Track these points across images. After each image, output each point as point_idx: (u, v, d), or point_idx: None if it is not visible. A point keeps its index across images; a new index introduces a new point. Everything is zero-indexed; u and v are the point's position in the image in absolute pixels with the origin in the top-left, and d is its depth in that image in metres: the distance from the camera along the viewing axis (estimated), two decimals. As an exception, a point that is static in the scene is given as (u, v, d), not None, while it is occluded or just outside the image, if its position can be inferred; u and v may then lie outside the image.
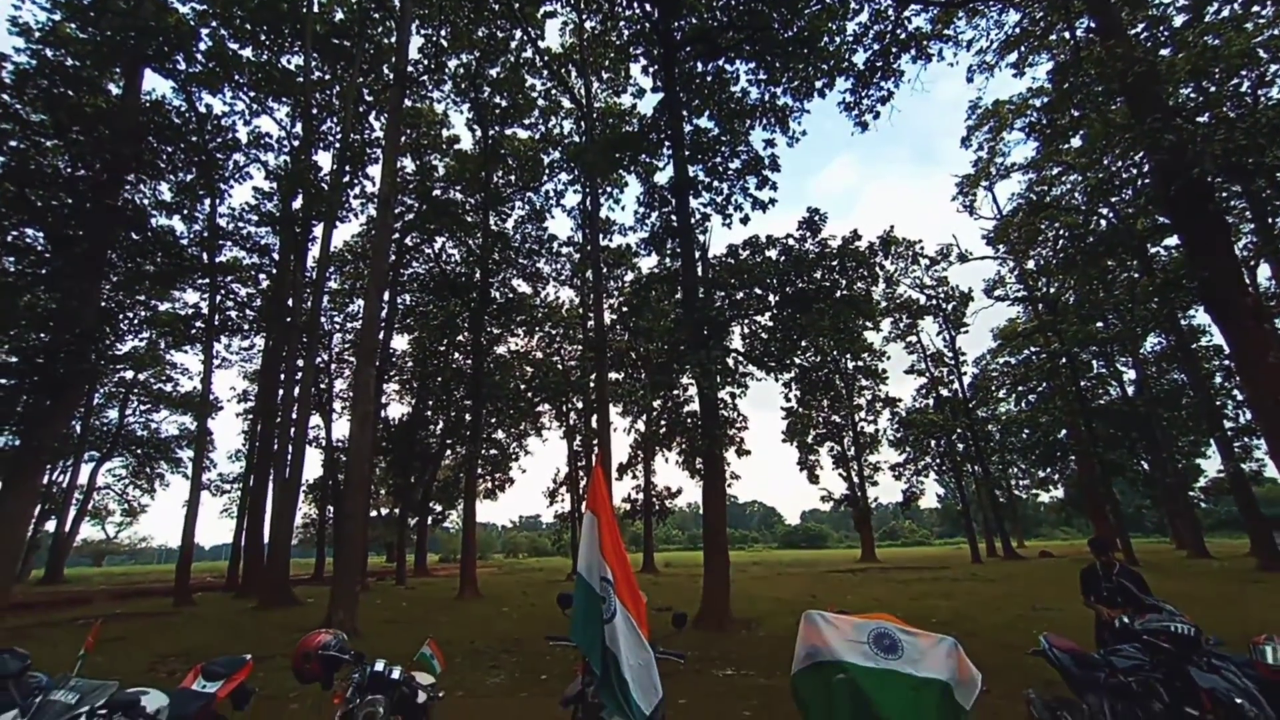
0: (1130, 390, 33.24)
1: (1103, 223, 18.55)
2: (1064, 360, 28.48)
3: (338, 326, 32.74)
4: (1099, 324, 28.40)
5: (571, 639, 3.14)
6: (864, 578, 23.08)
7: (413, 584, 26.92)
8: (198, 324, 25.63)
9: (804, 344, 14.58)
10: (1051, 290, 29.10)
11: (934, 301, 36.48)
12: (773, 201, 14.73)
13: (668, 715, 3.66)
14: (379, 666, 3.34)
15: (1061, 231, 23.45)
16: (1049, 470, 37.69)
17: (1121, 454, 31.07)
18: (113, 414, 40.76)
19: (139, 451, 41.73)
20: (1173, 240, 17.66)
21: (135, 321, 23.19)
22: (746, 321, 14.35)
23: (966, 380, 38.28)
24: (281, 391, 20.57)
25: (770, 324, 14.33)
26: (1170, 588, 12.41)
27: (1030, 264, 31.40)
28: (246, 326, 29.15)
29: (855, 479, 39.32)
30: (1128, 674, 3.42)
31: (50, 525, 39.54)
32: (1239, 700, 2.92)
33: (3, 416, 14.05)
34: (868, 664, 3.07)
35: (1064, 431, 32.27)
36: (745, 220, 14.18)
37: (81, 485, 40.82)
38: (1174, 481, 30.38)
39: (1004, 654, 7.22)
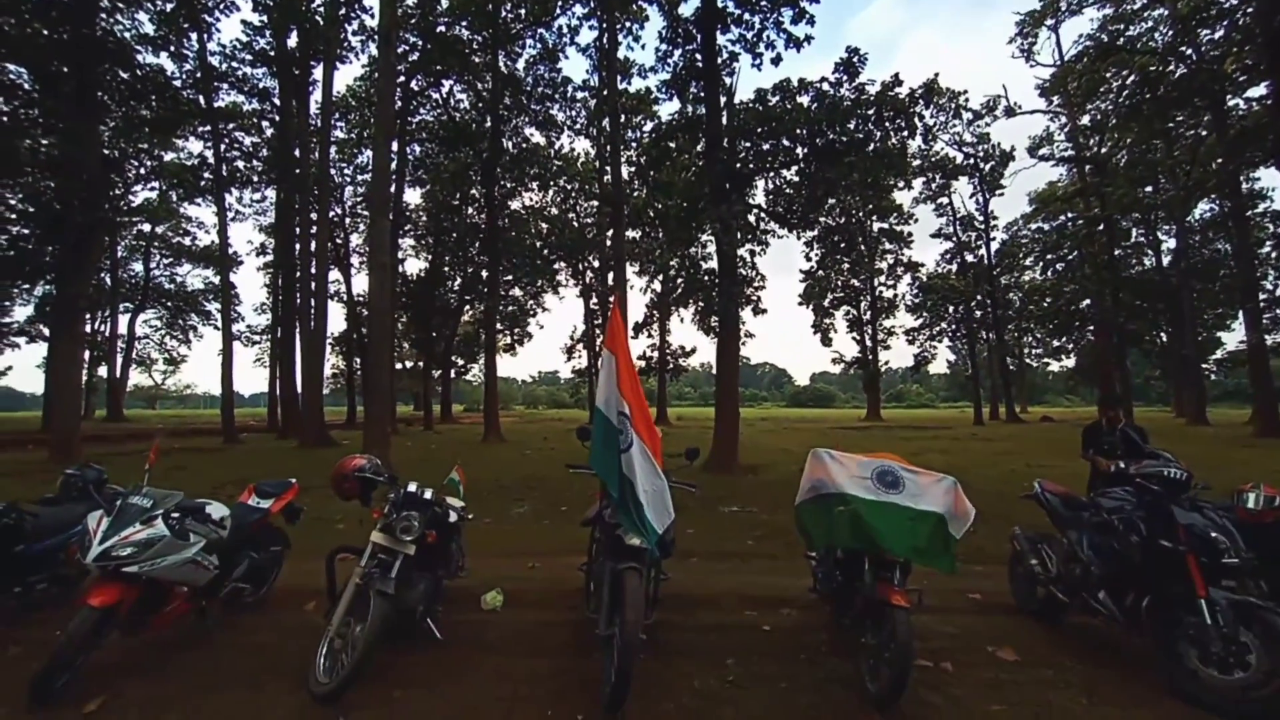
0: (1166, 260, 31.90)
1: (1180, 69, 16.46)
2: (1100, 227, 27.02)
3: (348, 179, 31.74)
4: (1149, 188, 26.47)
5: (591, 466, 3.35)
6: (868, 434, 24.21)
7: (440, 429, 28.83)
8: (205, 175, 24.94)
9: (831, 201, 13.89)
10: (1103, 150, 26.76)
11: (972, 160, 33.99)
12: (808, 39, 13.10)
13: (677, 544, 4.00)
14: (412, 488, 3.65)
15: (1129, 79, 21.06)
16: (1064, 339, 37.64)
17: (1142, 325, 30.69)
18: (138, 267, 41.61)
19: (168, 304, 43.21)
20: (1256, 91, 15.69)
21: (142, 172, 22.62)
22: (771, 175, 13.56)
23: (994, 247, 36.87)
24: (299, 246, 20.52)
25: (796, 178, 13.54)
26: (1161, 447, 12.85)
27: (1085, 119, 28.66)
28: (255, 178, 28.38)
29: (868, 342, 39.70)
30: (1112, 513, 3.63)
31: (102, 370, 42.24)
32: (1214, 534, 3.10)
33: (35, 266, 14.31)
34: (870, 497, 3.27)
35: (1087, 301, 31.61)
36: (776, 61, 12.75)
37: (123, 335, 42.86)
38: (1189, 353, 30.21)
39: (995, 502, 7.66)
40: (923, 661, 3.51)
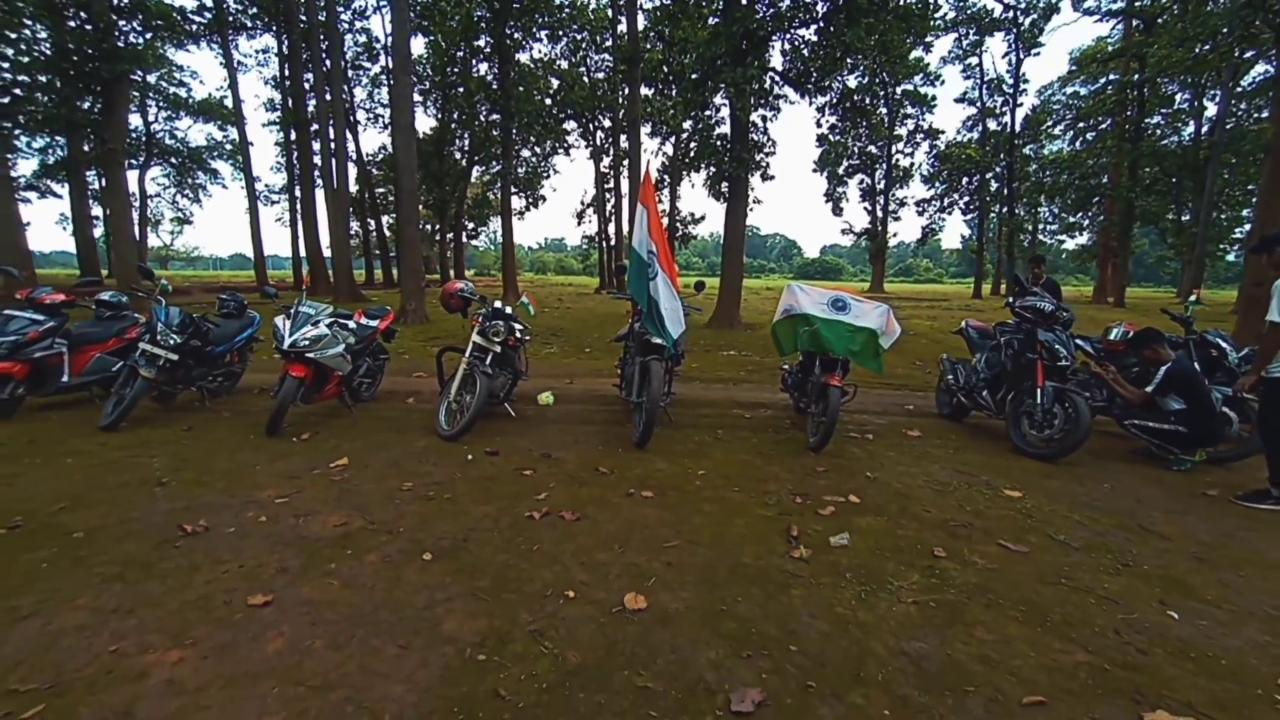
0: (1204, 130, 30.67)
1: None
2: (1134, 93, 25.91)
3: (346, 25, 30.00)
4: (1198, 48, 24.85)
5: (628, 290, 4.66)
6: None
7: (440, 292, 30.21)
8: (195, 18, 23.83)
9: (848, 62, 13.81)
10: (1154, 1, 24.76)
11: (1011, 13, 31.48)
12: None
13: (685, 373, 5.42)
14: (498, 305, 5.01)
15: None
16: (1080, 215, 37.31)
17: (1157, 201, 30.38)
18: (136, 120, 40.40)
19: (173, 161, 42.60)
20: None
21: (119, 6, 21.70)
22: (788, 35, 13.41)
23: (1021, 113, 35.26)
24: (314, 103, 20.39)
25: (815, 37, 13.39)
26: (1118, 317, 14.07)
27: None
28: (249, 24, 27.05)
29: (879, 213, 39.49)
30: (1003, 336, 4.98)
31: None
32: (1058, 348, 4.46)
33: (72, 120, 14.76)
34: (825, 316, 4.62)
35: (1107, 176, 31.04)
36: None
37: (134, 194, 42.82)
38: (1201, 231, 30.25)
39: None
40: (853, 433, 5.09)
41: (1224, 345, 4.74)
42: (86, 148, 20.67)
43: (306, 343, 4.61)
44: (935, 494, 3.73)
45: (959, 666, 2.04)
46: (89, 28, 14.36)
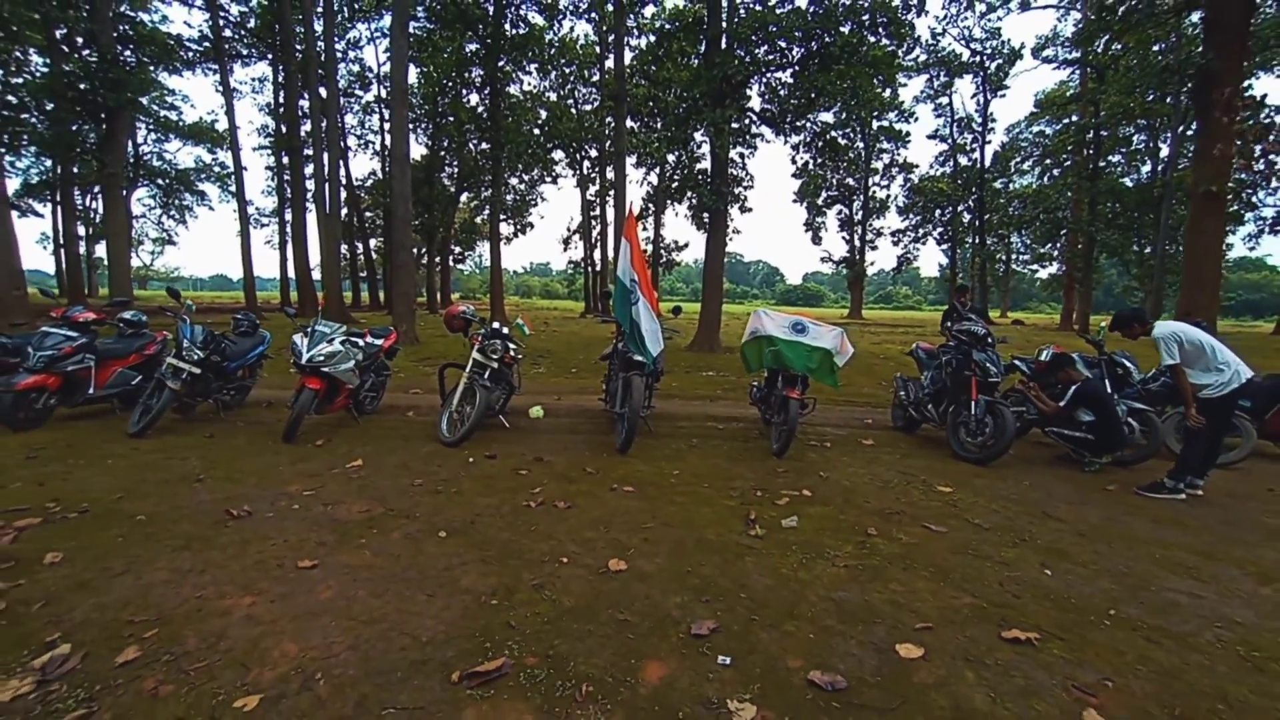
0: (1161, 169, 32.58)
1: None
2: (1090, 134, 27.62)
3: (340, 55, 30.91)
4: (1152, 94, 26.64)
5: (613, 315, 5.25)
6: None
7: (443, 313, 30.69)
8: (192, 45, 24.53)
9: (822, 102, 14.81)
10: (1103, 53, 26.62)
11: (978, 58, 33.41)
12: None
13: (665, 392, 6.00)
14: (496, 325, 5.57)
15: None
16: (1049, 246, 39.06)
17: (1116, 235, 32.03)
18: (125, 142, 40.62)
19: (160, 183, 42.78)
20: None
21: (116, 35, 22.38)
22: (765, 79, 14.39)
23: (991, 150, 37.13)
24: (309, 125, 20.99)
25: (790, 80, 14.38)
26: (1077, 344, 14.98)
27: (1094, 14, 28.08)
28: (244, 51, 27.79)
29: (857, 242, 40.88)
30: (945, 356, 5.65)
31: (101, 250, 42.68)
32: (990, 365, 5.13)
33: (66, 143, 15.18)
34: (786, 337, 5.25)
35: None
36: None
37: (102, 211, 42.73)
38: (1158, 263, 31.86)
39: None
40: (813, 442, 5.68)
41: (1129, 365, 5.46)
42: (75, 169, 21.02)
43: (322, 358, 5.12)
44: (877, 489, 4.32)
45: (872, 607, 2.60)
46: (93, 59, 14.88)
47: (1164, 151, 32.89)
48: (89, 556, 2.82)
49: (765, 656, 2.21)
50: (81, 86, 14.81)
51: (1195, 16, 14.50)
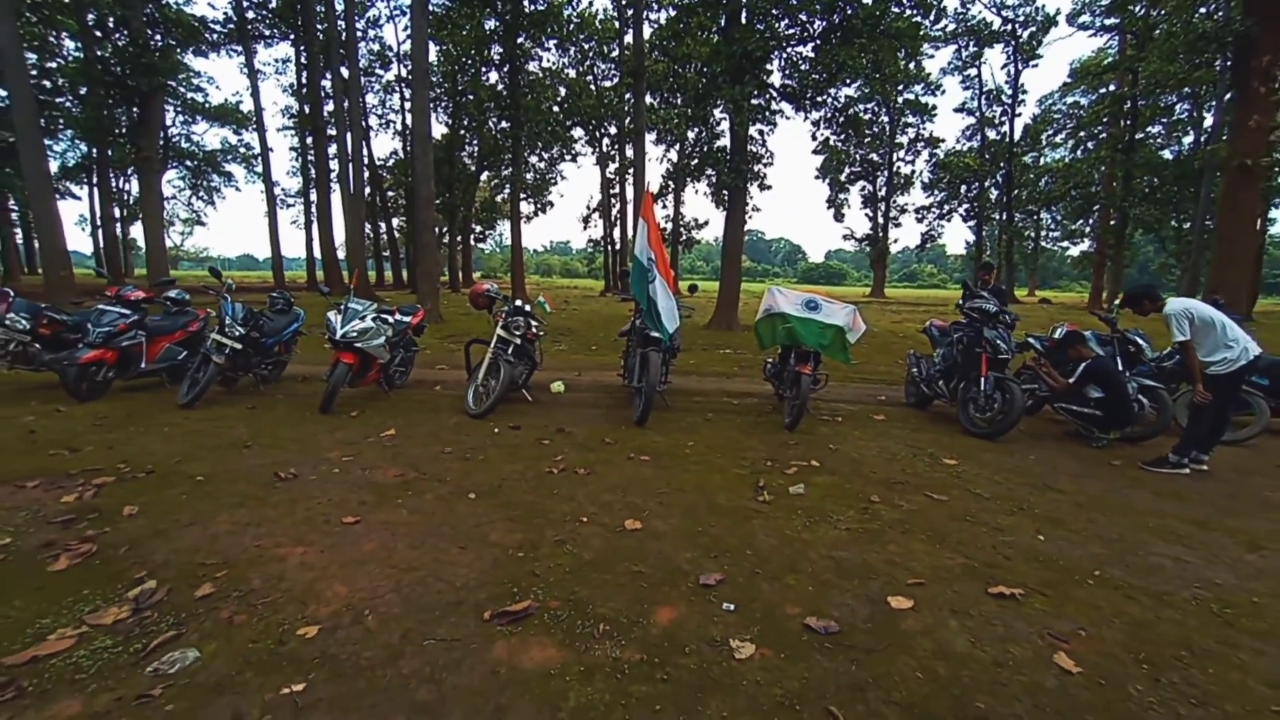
0: (1203, 141, 31.29)
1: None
2: (1127, 105, 26.62)
3: (359, 34, 31.01)
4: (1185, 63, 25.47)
5: (631, 292, 5.43)
6: (863, 307, 26.17)
7: (465, 292, 31.10)
8: (216, 27, 24.88)
9: (844, 76, 14.57)
10: (1145, 16, 25.47)
11: (1010, 26, 32.21)
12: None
13: (684, 367, 6.18)
14: (519, 302, 5.79)
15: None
16: (1080, 222, 37.97)
17: (1153, 210, 30.98)
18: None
19: (189, 164, 43.68)
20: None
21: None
22: (787, 53, 14.19)
23: (1021, 123, 35.97)
24: (331, 106, 21.23)
25: (811, 54, 14.16)
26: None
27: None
28: (266, 32, 28.04)
29: (880, 219, 40.19)
30: (957, 333, 5.73)
31: (135, 230, 43.86)
32: (1000, 343, 5.21)
33: (102, 127, 15.67)
34: (799, 314, 5.38)
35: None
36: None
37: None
38: (1196, 239, 30.85)
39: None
40: (825, 417, 5.85)
41: (1141, 343, 5.48)
42: (110, 153, 21.63)
43: (355, 334, 5.41)
44: (884, 461, 4.48)
45: (869, 565, 2.80)
46: (127, 46, 15.26)
47: (1208, 121, 31.61)
48: (160, 510, 3.15)
49: (766, 604, 2.43)
50: (116, 71, 15.23)
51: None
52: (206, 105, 41.97)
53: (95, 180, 31.44)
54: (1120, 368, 5.29)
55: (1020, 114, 35.65)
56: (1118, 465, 4.56)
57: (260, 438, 4.57)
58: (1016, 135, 35.68)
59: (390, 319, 5.98)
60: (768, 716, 1.80)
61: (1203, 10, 21.48)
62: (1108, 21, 28.41)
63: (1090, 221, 37.20)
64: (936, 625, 2.31)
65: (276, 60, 30.88)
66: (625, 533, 3.08)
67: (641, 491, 3.67)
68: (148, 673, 1.90)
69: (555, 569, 2.67)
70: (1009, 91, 34.47)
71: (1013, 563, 2.86)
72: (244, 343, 5.82)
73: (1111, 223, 30.73)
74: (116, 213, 36.57)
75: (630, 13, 22.77)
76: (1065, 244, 48.81)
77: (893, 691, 1.93)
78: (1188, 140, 33.69)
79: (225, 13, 25.12)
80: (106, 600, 2.31)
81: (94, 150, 26.94)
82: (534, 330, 6.25)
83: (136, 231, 43.88)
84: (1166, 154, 32.85)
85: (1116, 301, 5.55)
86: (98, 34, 19.13)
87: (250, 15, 26.35)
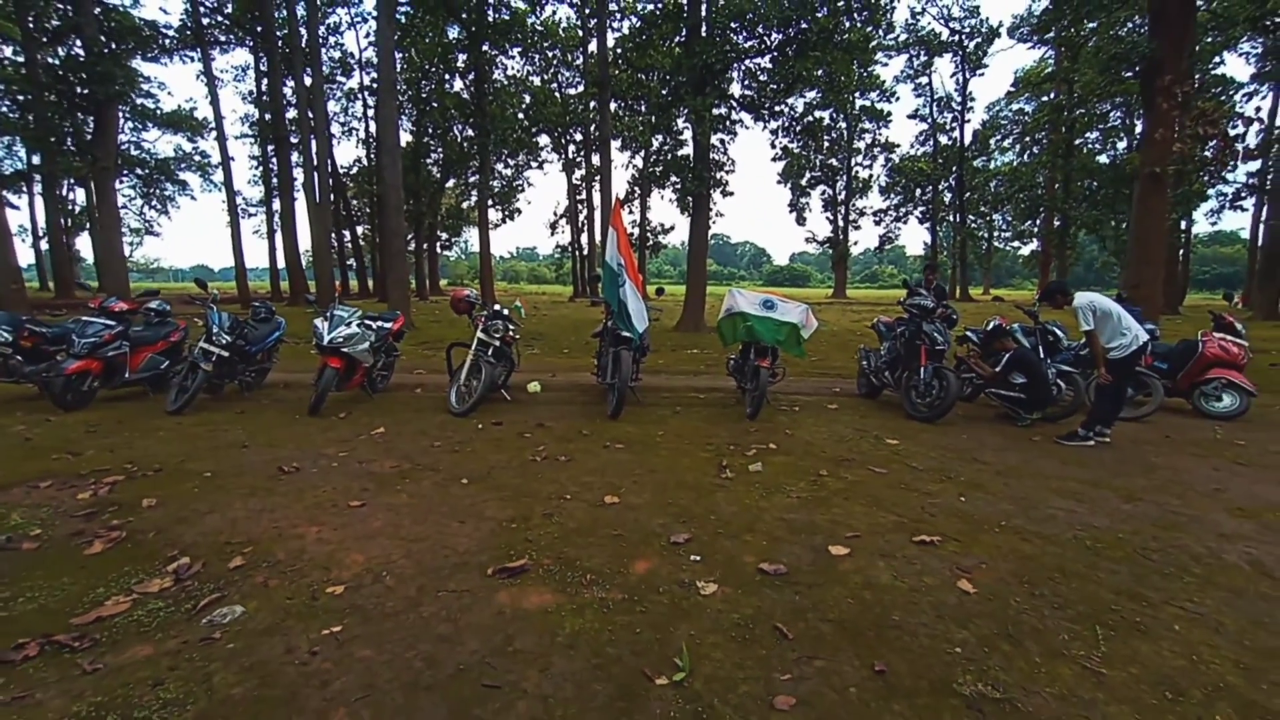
0: (1135, 146, 33.37)
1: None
2: (1065, 112, 28.32)
3: (321, 41, 30.70)
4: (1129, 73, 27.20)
5: (602, 296, 5.85)
6: (825, 307, 27.16)
7: (433, 300, 31.01)
8: (168, 32, 24.41)
9: (800, 87, 15.31)
10: (1076, 34, 27.21)
11: (957, 37, 33.87)
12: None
13: (653, 367, 6.62)
14: (497, 307, 6.15)
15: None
16: (1029, 223, 39.97)
17: (1094, 212, 32.90)
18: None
19: (139, 173, 42.30)
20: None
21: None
22: (745, 64, 14.84)
23: (970, 128, 37.74)
24: (293, 113, 21.06)
25: (769, 65, 14.84)
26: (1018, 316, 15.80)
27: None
28: (223, 38, 27.57)
29: (841, 222, 41.52)
30: (900, 327, 6.33)
31: (79, 241, 42.18)
32: (937, 335, 5.80)
33: (55, 135, 15.33)
34: (756, 313, 5.89)
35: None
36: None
37: (96, 205, 42.27)
38: (1130, 239, 32.79)
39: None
40: (784, 407, 6.36)
41: (1059, 333, 6.17)
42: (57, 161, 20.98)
43: (341, 339, 5.69)
44: (834, 443, 5.00)
45: (814, 525, 3.28)
46: (83, 53, 14.99)
47: (1139, 128, 33.79)
48: (177, 502, 3.43)
49: (726, 556, 2.88)
50: (69, 79, 14.94)
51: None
52: (158, 111, 40.84)
53: (41, 190, 30.24)
54: (1042, 356, 5.95)
55: (970, 120, 37.47)
56: (1037, 441, 5.18)
57: (257, 438, 4.82)
58: (967, 140, 37.44)
59: (373, 325, 6.27)
60: (727, 633, 2.24)
61: (1129, 26, 23.18)
62: (1047, 36, 30.18)
63: (1037, 223, 39.23)
64: (867, 566, 2.79)
65: (235, 67, 30.09)
66: (604, 506, 3.49)
67: (617, 473, 4.09)
68: (204, 623, 2.23)
69: (545, 535, 3.07)
70: (958, 99, 36.18)
71: (936, 519, 3.38)
72: (230, 350, 6.02)
73: (1056, 224, 32.53)
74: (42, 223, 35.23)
75: (594, 22, 23.27)
76: (1016, 244, 51.20)
77: (828, 613, 2.39)
78: (1122, 145, 35.92)
79: (181, 19, 24.55)
80: (148, 574, 2.61)
81: (39, 159, 26.05)
82: (511, 333, 6.60)
83: (80, 242, 42.35)
84: (1103, 158, 34.93)
85: (1036, 297, 6.20)
86: (42, 40, 18.64)
87: (206, 21, 25.95)
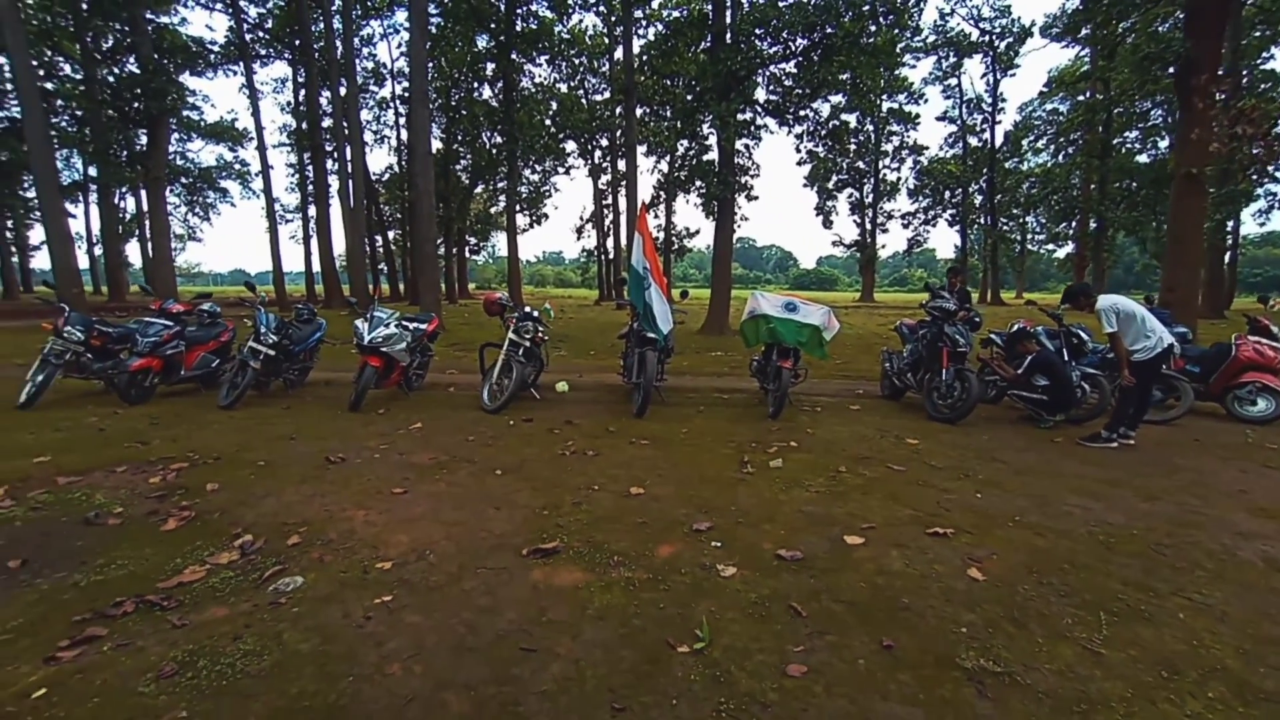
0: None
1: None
2: (1101, 114, 27.66)
3: (356, 52, 31.72)
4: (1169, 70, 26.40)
5: (628, 298, 6.05)
6: (851, 311, 26.97)
7: (462, 303, 31.68)
8: (213, 48, 25.54)
9: (824, 92, 15.34)
10: (1105, 31, 26.57)
11: (987, 37, 33.33)
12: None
13: (678, 369, 6.79)
14: (528, 309, 6.40)
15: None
16: (1064, 225, 39.03)
17: (1133, 213, 31.99)
18: (145, 139, 41.93)
19: (184, 181, 44.16)
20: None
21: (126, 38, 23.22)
22: (770, 70, 14.94)
23: (1001, 130, 37.06)
24: (329, 122, 21.85)
25: (794, 70, 14.92)
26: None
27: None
28: (263, 52, 28.71)
29: (868, 225, 41.11)
30: (923, 329, 6.38)
31: (131, 249, 44.13)
32: (959, 338, 5.85)
33: (113, 148, 16.22)
34: (779, 315, 6.02)
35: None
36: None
37: (145, 212, 44.24)
38: (1168, 240, 31.78)
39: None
40: (806, 407, 6.47)
41: (1084, 336, 6.15)
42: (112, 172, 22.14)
43: (380, 339, 5.99)
44: (854, 442, 5.10)
45: (832, 517, 3.41)
46: (139, 71, 15.85)
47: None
48: (237, 487, 3.72)
49: (746, 543, 3.03)
50: (126, 96, 15.82)
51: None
52: (202, 123, 42.60)
53: (96, 199, 31.82)
54: (1066, 358, 5.95)
55: (1001, 121, 36.85)
56: (1059, 442, 5.20)
57: (304, 431, 5.14)
58: (998, 142, 36.77)
59: (410, 326, 6.57)
60: (745, 610, 2.40)
61: (1168, 24, 22.57)
62: (1082, 34, 29.53)
63: (1072, 225, 38.27)
64: (880, 554, 2.92)
65: (274, 79, 31.23)
66: (630, 497, 3.67)
67: (643, 467, 4.27)
68: (269, 590, 2.48)
69: (575, 522, 3.27)
70: (989, 100, 35.58)
71: (951, 513, 3.48)
72: (276, 349, 6.39)
73: (1092, 226, 31.71)
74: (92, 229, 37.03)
75: (620, 30, 23.61)
76: (1051, 246, 50.02)
77: (840, 595, 2.53)
78: (1164, 144, 34.84)
79: (226, 36, 25.69)
80: (217, 549, 2.88)
81: (95, 170, 27.46)
82: (541, 334, 6.84)
83: (130, 249, 44.32)
84: (1143, 158, 33.95)
85: (1060, 299, 6.20)
86: (98, 58, 19.75)
87: (249, 37, 27.09)
